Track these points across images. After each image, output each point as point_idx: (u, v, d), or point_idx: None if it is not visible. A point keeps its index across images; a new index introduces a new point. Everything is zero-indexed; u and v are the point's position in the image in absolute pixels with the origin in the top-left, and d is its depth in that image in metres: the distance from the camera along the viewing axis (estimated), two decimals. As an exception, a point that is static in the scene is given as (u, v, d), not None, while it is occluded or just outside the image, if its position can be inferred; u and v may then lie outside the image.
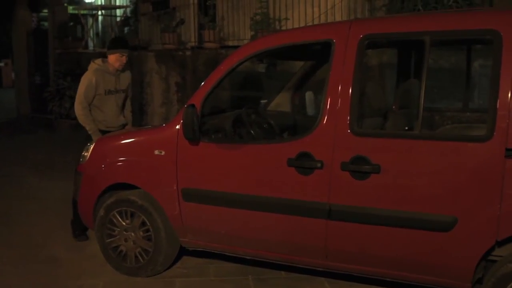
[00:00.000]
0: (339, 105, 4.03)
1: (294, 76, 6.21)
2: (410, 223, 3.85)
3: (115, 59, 6.14)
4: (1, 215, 6.47)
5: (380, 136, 4.08)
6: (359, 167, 3.92)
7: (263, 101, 6.26)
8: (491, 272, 3.71)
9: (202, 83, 4.74)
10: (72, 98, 12.58)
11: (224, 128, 4.91)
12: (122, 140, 5.27)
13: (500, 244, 3.65)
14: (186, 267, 5.04)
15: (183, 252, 5.18)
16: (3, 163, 9.35)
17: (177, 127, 4.71)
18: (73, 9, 16.29)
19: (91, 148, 5.33)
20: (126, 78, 6.43)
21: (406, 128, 4.30)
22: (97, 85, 6.06)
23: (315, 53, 5.42)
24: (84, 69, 6.29)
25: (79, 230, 5.89)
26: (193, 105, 4.44)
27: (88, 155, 5.31)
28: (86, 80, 6.10)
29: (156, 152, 4.81)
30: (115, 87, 6.26)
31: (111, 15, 16.56)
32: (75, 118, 6.21)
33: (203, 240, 4.85)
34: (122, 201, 5.03)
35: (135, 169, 5.01)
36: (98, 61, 6.23)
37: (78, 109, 6.06)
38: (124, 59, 6.18)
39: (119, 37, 6.78)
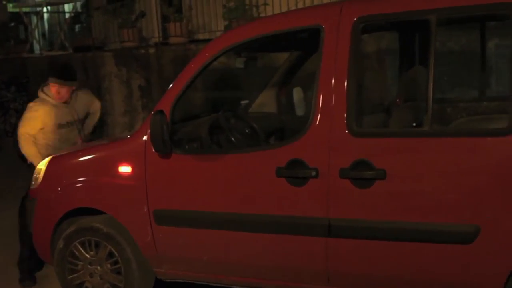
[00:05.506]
0: (333, 101, 4.01)
1: (278, 71, 6.20)
2: (424, 235, 3.83)
3: (53, 90, 6.13)
4: None
5: (383, 135, 4.06)
6: (361, 173, 3.90)
7: (243, 102, 6.24)
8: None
9: (171, 85, 4.72)
10: (18, 112, 12.59)
11: (200, 136, 4.89)
12: (80, 157, 5.23)
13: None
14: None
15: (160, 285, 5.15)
16: None
17: (144, 138, 4.69)
18: (13, 7, 16.14)
19: (44, 168, 5.29)
20: (83, 103, 6.49)
21: (414, 124, 4.28)
22: (44, 119, 6.06)
23: (302, 43, 5.42)
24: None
25: (26, 272, 5.79)
26: (161, 111, 4.40)
27: (41, 177, 5.27)
28: (30, 111, 6.13)
29: (121, 169, 4.79)
30: (72, 119, 6.30)
31: (58, 12, 16.42)
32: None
33: (181, 269, 4.82)
34: (84, 229, 5.00)
35: (97, 191, 4.97)
36: (48, 89, 6.18)
37: (20, 140, 6.09)
38: (64, 91, 6.14)
39: (58, 64, 6.91)
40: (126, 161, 4.79)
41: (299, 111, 5.99)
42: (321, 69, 4.09)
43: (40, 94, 6.18)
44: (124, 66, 11.27)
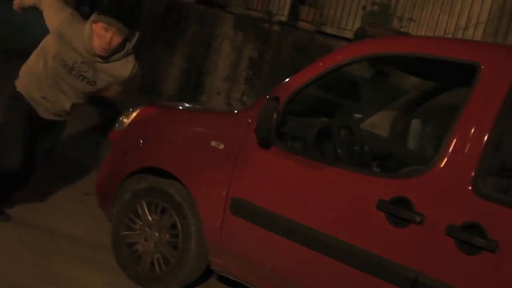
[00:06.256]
0: (467, 149, 3.70)
1: (404, 96, 5.98)
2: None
3: (96, 32, 4.75)
4: None
5: (507, 204, 3.66)
6: (471, 238, 3.56)
7: (356, 116, 5.99)
8: None
9: (294, 75, 4.53)
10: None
11: (305, 138, 4.64)
12: (174, 116, 5.13)
13: None
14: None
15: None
16: None
17: (249, 120, 4.50)
18: None
19: (133, 114, 5.19)
20: (116, 71, 4.97)
21: None
22: (68, 38, 4.83)
23: (445, 75, 5.12)
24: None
25: None
26: (277, 98, 4.20)
27: (127, 123, 5.18)
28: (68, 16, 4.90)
29: (213, 143, 4.63)
30: (84, 74, 4.93)
31: None
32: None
33: (239, 268, 4.62)
34: (157, 190, 4.88)
35: (182, 157, 4.83)
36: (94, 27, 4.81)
37: None
38: (109, 37, 4.72)
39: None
40: (222, 137, 4.62)
41: (411, 144, 5.72)
42: (465, 110, 3.79)
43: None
44: (242, 32, 11.18)
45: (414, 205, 3.78)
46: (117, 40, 4.74)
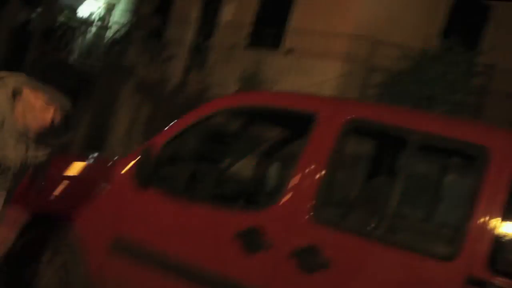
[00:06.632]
0: (305, 185, 3.89)
1: (264, 143, 6.15)
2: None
3: (40, 109, 2.97)
4: None
5: (340, 229, 3.90)
6: (309, 258, 3.70)
7: (226, 161, 6.12)
8: None
9: (170, 125, 4.64)
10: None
11: (179, 179, 4.70)
12: (68, 164, 5.06)
13: None
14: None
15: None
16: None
17: (131, 164, 4.53)
18: (66, 15, 16.49)
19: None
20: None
21: (369, 227, 4.14)
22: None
23: (294, 124, 5.29)
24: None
25: None
26: (153, 146, 4.34)
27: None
28: None
29: (98, 187, 4.63)
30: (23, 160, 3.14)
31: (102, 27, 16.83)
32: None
33: None
34: (51, 232, 4.74)
35: (71, 200, 4.74)
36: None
37: None
38: (50, 116, 2.96)
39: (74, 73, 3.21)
40: (106, 181, 4.63)
41: (269, 184, 5.88)
42: (303, 152, 3.99)
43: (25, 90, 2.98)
44: (140, 93, 11.33)
45: (263, 233, 3.88)
46: (58, 118, 3.04)
